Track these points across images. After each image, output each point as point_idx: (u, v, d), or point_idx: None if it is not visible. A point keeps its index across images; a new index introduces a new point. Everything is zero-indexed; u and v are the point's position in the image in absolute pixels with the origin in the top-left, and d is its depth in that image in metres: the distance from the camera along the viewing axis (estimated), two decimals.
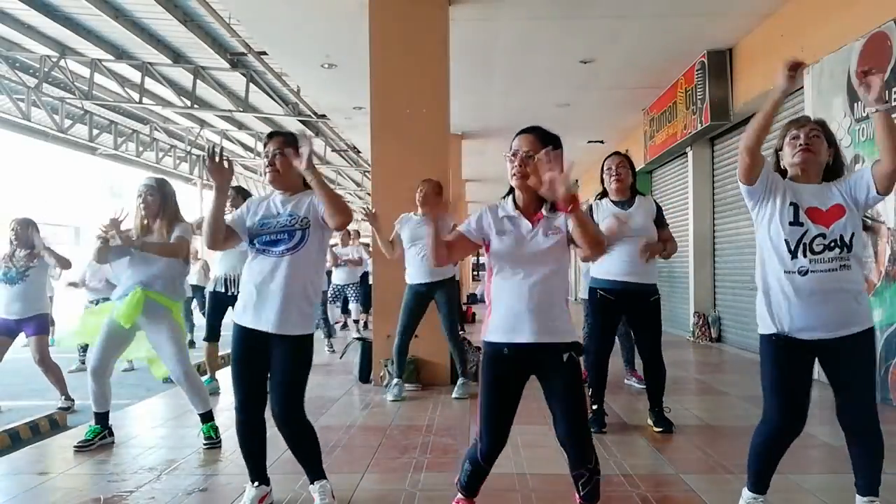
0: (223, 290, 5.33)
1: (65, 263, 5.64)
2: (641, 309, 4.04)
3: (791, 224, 2.38)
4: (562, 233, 2.32)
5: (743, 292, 8.06)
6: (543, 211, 2.36)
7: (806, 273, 2.36)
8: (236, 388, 2.73)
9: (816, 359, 2.47)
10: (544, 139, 2.34)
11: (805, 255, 2.36)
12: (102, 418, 3.90)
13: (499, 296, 2.36)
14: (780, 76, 2.26)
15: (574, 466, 2.34)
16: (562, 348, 2.30)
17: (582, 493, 2.35)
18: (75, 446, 3.78)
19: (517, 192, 2.40)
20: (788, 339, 2.40)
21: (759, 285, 2.52)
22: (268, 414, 2.74)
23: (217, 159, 2.62)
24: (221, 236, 2.72)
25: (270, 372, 2.72)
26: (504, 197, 2.46)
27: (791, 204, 2.40)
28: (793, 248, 2.38)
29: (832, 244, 2.35)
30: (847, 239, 2.36)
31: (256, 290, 2.65)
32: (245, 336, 2.70)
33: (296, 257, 2.66)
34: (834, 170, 2.53)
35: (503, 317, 2.33)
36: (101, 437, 3.88)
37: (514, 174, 2.34)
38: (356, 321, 10.40)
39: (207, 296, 5.50)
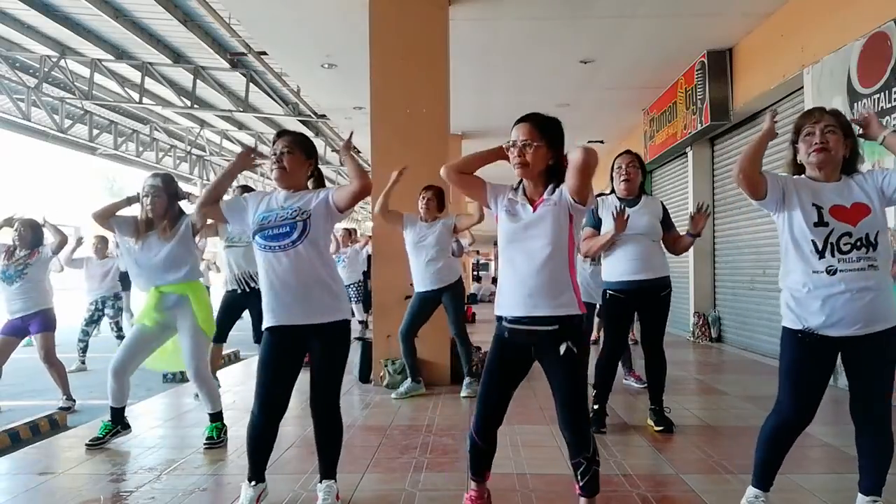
0: (235, 289, 5.06)
1: (62, 238, 5.56)
2: (652, 303, 4.03)
3: (816, 225, 2.36)
4: (557, 204, 2.39)
5: (743, 292, 8.06)
6: (545, 195, 2.44)
7: (834, 272, 2.34)
8: (260, 391, 2.71)
9: (840, 354, 2.44)
10: (541, 126, 2.47)
11: (833, 255, 2.34)
12: (118, 413, 3.91)
13: (503, 274, 2.51)
14: (768, 123, 2.45)
15: (573, 454, 2.41)
16: (559, 330, 2.36)
17: (581, 483, 2.41)
18: (87, 443, 3.80)
19: (524, 181, 2.50)
20: (814, 336, 2.39)
21: (783, 281, 2.49)
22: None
23: (252, 154, 2.91)
24: (210, 205, 2.89)
25: (311, 366, 2.76)
26: (517, 185, 2.56)
27: (814, 205, 2.38)
28: (820, 248, 2.36)
29: (858, 243, 2.33)
30: (873, 237, 2.34)
31: (280, 288, 2.67)
32: (278, 337, 2.70)
33: (301, 249, 2.68)
34: (850, 161, 2.49)
35: (505, 294, 2.46)
36: (114, 434, 3.89)
37: (515, 164, 2.44)
38: (361, 322, 10.38)
39: (222, 296, 5.25)
